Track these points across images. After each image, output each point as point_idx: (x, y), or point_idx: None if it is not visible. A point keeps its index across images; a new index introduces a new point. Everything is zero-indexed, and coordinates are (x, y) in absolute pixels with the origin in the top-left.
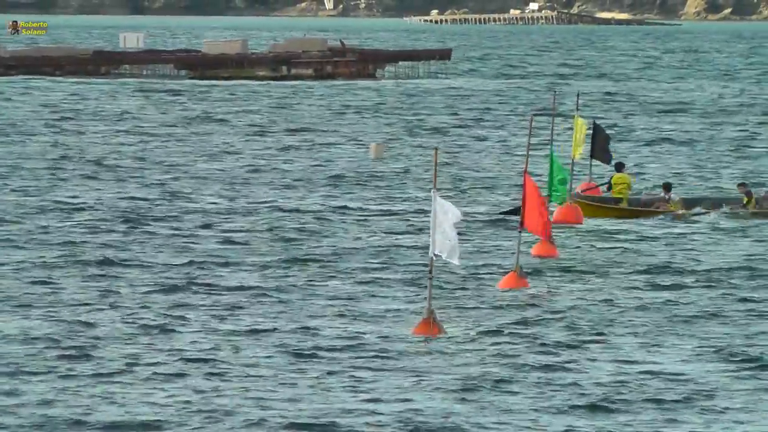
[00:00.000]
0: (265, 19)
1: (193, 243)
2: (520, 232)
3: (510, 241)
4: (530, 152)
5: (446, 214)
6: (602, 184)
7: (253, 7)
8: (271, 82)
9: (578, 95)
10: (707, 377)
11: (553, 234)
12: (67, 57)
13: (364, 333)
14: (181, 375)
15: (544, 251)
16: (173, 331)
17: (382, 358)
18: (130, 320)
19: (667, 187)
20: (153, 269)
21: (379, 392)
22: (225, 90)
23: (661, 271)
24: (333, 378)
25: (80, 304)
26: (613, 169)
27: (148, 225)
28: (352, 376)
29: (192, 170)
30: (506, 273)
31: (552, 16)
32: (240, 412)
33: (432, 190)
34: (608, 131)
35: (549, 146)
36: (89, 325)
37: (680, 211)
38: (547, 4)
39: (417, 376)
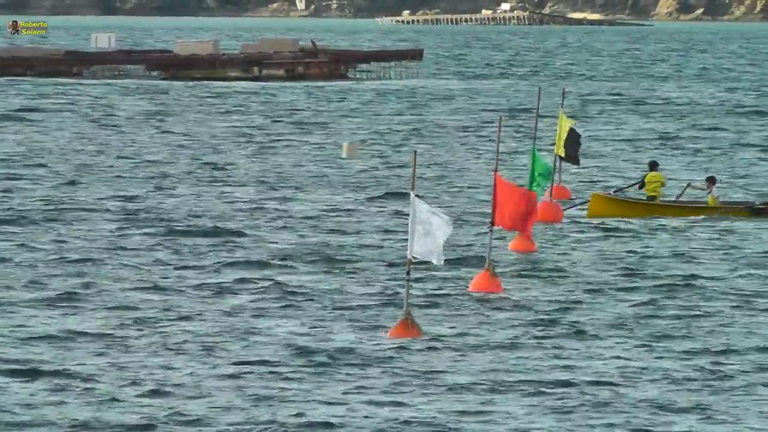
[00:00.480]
0: (238, 20)
1: (166, 243)
2: (491, 230)
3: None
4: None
5: (429, 215)
6: (634, 183)
7: (225, 7)
8: (243, 82)
9: (564, 92)
10: (689, 378)
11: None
12: (39, 57)
13: (340, 335)
14: (146, 381)
15: (522, 246)
16: (137, 335)
17: (359, 360)
18: (102, 322)
19: (713, 180)
20: (126, 267)
21: (355, 395)
22: (200, 89)
23: (642, 269)
24: (309, 380)
25: (61, 305)
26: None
27: (119, 225)
28: (329, 379)
29: (168, 170)
30: (478, 272)
31: (524, 17)
32: (211, 418)
33: (411, 192)
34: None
35: (533, 143)
36: (71, 324)
37: (720, 207)
38: (519, 5)
39: (394, 378)
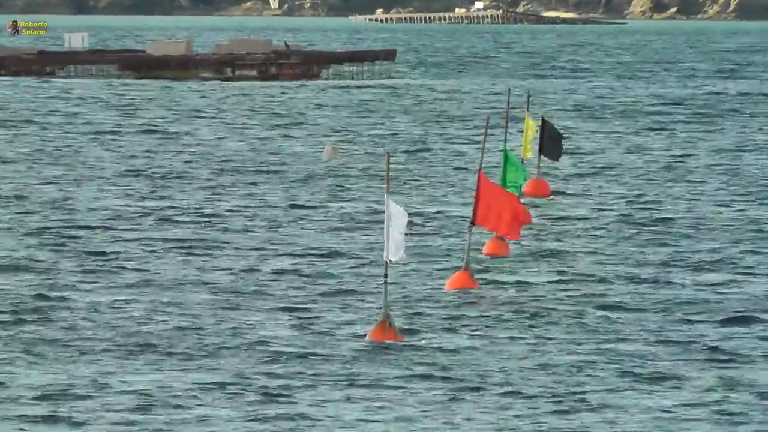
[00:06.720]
0: (210, 19)
1: (135, 247)
2: (470, 229)
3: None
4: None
5: (397, 216)
6: None
7: (198, 6)
8: (215, 82)
9: (529, 95)
10: (669, 375)
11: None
12: (11, 57)
13: (318, 339)
14: (115, 392)
15: (495, 250)
16: (85, 353)
17: (337, 363)
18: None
19: None
20: (103, 273)
21: (334, 400)
22: (169, 89)
23: (620, 267)
24: (286, 386)
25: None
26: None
27: (91, 230)
28: (306, 383)
29: (143, 172)
30: (455, 272)
31: (497, 15)
32: (190, 423)
33: (385, 195)
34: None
35: (503, 144)
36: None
37: None
38: (493, 3)
39: (372, 381)
